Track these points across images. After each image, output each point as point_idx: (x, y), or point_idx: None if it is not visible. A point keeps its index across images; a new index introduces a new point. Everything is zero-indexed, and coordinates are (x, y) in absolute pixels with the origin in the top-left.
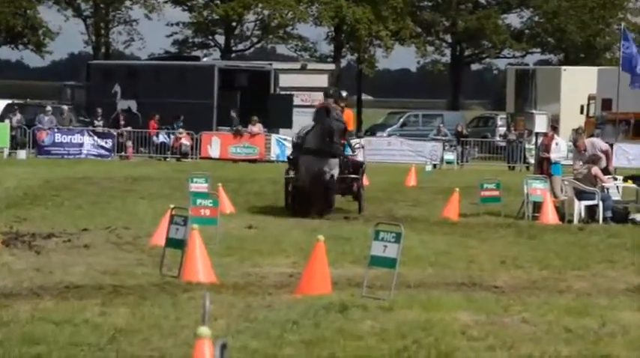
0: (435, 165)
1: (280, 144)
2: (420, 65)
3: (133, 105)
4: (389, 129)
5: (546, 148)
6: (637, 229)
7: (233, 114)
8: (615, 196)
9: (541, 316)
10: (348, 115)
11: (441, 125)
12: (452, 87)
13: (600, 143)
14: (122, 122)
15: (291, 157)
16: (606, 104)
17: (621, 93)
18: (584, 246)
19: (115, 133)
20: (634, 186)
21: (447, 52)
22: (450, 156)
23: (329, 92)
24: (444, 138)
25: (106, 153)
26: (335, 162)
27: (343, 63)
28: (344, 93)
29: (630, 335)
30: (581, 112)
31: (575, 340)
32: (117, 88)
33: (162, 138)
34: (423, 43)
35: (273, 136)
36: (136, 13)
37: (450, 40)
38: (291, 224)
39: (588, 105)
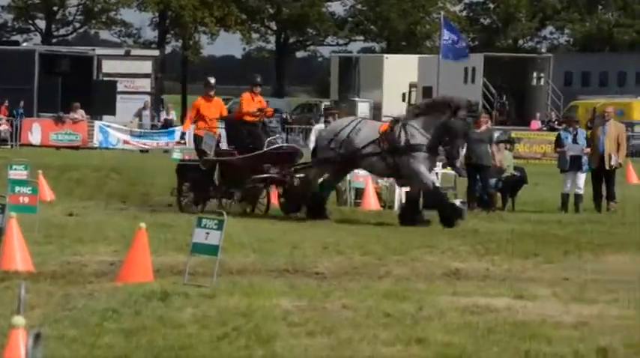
0: None
1: (103, 131)
2: (246, 52)
3: None
4: None
5: None
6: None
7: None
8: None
9: (361, 301)
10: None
11: None
12: (277, 74)
13: None
14: None
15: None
16: (427, 92)
17: (441, 81)
18: (404, 231)
19: None
20: (452, 172)
21: (272, 39)
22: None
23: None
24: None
25: None
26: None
27: (168, 49)
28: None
29: (446, 319)
30: (403, 100)
31: (393, 324)
32: None
33: None
34: (248, 30)
35: (97, 123)
36: None
37: (274, 27)
38: (113, 212)
39: (410, 93)
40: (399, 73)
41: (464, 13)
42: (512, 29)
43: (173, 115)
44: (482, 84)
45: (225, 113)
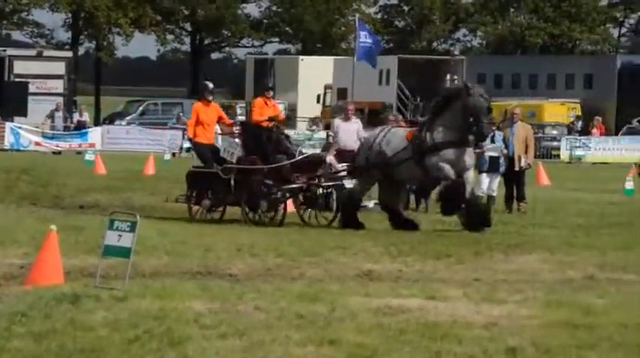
0: (174, 154)
1: (15, 133)
2: (160, 53)
3: None
4: (128, 118)
5: None
6: (368, 215)
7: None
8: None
9: (274, 303)
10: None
11: (181, 114)
12: (192, 75)
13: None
14: None
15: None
16: (342, 93)
17: (356, 83)
18: (318, 233)
19: None
20: None
21: (187, 40)
22: (189, 144)
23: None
24: (183, 126)
25: None
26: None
27: (81, 50)
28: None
29: (358, 320)
30: (318, 101)
31: (306, 325)
32: None
33: None
34: (163, 31)
35: (8, 124)
36: None
37: (189, 29)
38: (23, 214)
39: (325, 94)
40: (315, 75)
41: (379, 16)
42: (426, 31)
43: (86, 117)
44: (396, 85)
45: (225, 118)
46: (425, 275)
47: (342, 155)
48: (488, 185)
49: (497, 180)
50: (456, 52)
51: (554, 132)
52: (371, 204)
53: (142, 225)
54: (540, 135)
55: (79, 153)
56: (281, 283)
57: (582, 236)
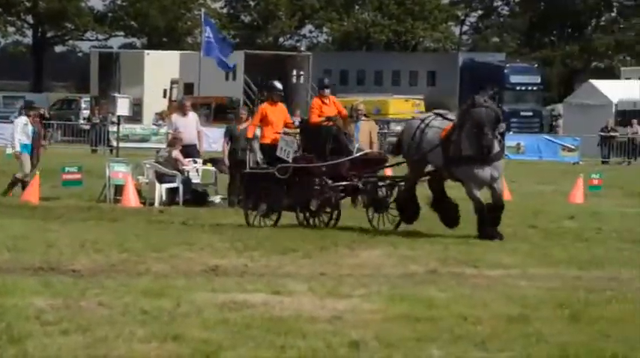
0: None
1: None
2: (1, 46)
3: None
4: None
5: None
6: (215, 211)
7: None
8: (195, 179)
9: (118, 298)
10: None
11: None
12: (34, 69)
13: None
14: None
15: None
16: (188, 88)
17: (202, 78)
18: (165, 228)
19: None
20: (213, 169)
21: (29, 33)
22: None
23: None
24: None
25: None
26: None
27: None
28: (326, 81)
29: (203, 315)
30: (164, 96)
31: (150, 321)
32: None
33: None
34: (4, 24)
35: None
36: None
37: (31, 21)
38: None
39: (171, 89)
40: (160, 69)
41: (225, 10)
42: (272, 27)
43: None
44: (243, 81)
45: (289, 120)
46: (271, 270)
47: (185, 150)
48: None
49: None
50: (302, 48)
51: (399, 128)
52: (217, 199)
53: None
54: (386, 131)
55: None
56: (125, 279)
57: (425, 230)
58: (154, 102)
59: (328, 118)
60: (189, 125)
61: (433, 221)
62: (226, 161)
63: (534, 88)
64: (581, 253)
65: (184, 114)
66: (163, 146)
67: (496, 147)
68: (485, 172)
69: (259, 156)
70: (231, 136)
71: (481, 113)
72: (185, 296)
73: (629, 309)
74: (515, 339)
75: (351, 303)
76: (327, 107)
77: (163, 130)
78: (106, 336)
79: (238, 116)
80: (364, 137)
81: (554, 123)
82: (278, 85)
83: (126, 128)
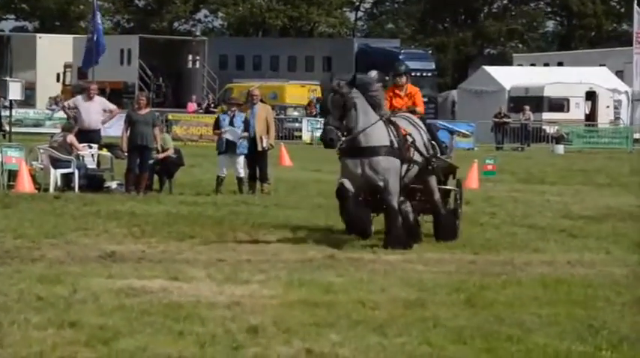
0: None
1: None
2: None
3: None
4: None
5: None
6: (110, 196)
7: None
8: (91, 164)
9: (12, 285)
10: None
11: None
12: None
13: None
14: None
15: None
16: (82, 73)
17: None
18: (60, 214)
19: None
20: (109, 154)
21: None
22: None
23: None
24: None
25: None
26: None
27: None
28: (402, 67)
29: (100, 301)
30: (58, 80)
31: (46, 308)
32: None
33: None
34: None
35: None
36: None
37: None
38: None
39: (65, 73)
40: (54, 53)
41: None
42: (167, 11)
43: None
44: (138, 65)
45: (421, 104)
46: (168, 256)
47: (85, 135)
48: (230, 166)
49: (242, 160)
50: (198, 33)
51: (296, 113)
52: (114, 184)
53: None
54: (282, 116)
55: None
56: (20, 265)
57: (323, 216)
58: (48, 87)
59: (411, 110)
60: (92, 110)
61: (330, 208)
62: (124, 147)
63: (429, 74)
64: (476, 237)
65: (89, 97)
66: (58, 131)
67: (371, 141)
68: (353, 165)
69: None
70: (129, 122)
71: (326, 99)
72: (81, 282)
73: (524, 293)
74: (412, 324)
75: (249, 289)
76: (400, 100)
77: (57, 115)
78: (1, 323)
79: (137, 101)
80: (260, 122)
81: (455, 109)
82: (402, 67)
83: (19, 112)
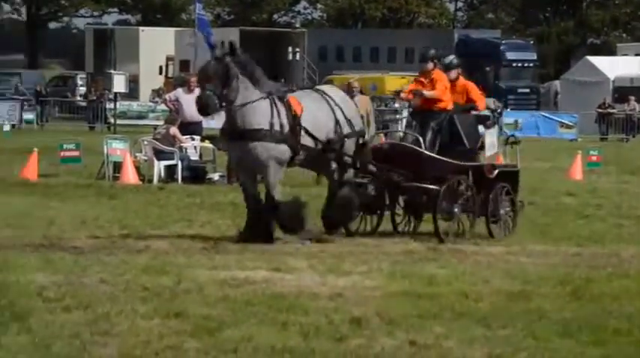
0: (13, 125)
1: None
2: None
3: None
4: None
5: None
6: (213, 188)
7: None
8: (193, 156)
9: (119, 276)
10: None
11: (19, 84)
12: (29, 45)
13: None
14: None
15: None
16: (184, 65)
17: (198, 54)
18: (164, 205)
19: None
20: (211, 146)
21: (23, 10)
22: (29, 115)
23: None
24: (22, 97)
25: None
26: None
27: None
28: (447, 60)
29: (204, 292)
30: (160, 73)
31: (151, 298)
32: None
33: None
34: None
35: None
36: None
37: None
38: None
39: (167, 66)
40: (156, 46)
41: None
42: (266, 3)
43: None
44: None
45: (478, 99)
46: (271, 247)
47: (186, 127)
48: None
49: None
50: (297, 25)
51: (396, 105)
52: (216, 176)
53: None
54: (383, 108)
55: None
56: (126, 256)
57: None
58: (150, 79)
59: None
60: (193, 102)
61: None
62: None
63: (530, 65)
64: (581, 229)
65: (190, 90)
66: (161, 123)
67: (247, 123)
68: (232, 149)
69: None
70: None
71: (207, 66)
72: (186, 273)
73: (630, 286)
74: (516, 316)
75: (351, 280)
76: (424, 88)
77: (160, 107)
78: (108, 313)
79: None
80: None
81: (557, 100)
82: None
83: (123, 105)
